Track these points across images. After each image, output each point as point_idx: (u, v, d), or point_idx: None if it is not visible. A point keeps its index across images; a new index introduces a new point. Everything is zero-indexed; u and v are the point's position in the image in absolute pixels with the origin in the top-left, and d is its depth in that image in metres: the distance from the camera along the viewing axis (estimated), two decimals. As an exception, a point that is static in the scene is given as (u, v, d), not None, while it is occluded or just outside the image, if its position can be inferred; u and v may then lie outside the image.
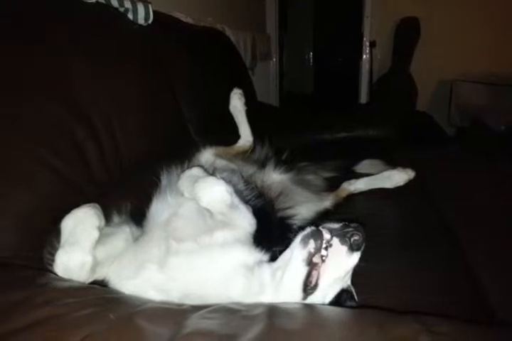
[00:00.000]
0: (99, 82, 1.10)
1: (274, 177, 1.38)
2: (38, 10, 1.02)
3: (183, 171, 0.99)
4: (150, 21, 1.45)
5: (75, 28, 1.11)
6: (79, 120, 0.99)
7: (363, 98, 4.95)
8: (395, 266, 1.12)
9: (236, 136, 1.59)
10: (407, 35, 4.48)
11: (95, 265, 0.77)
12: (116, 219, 0.94)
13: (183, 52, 1.72)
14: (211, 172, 1.03)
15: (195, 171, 0.94)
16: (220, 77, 1.97)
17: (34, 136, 0.88)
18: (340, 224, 0.70)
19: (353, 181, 1.48)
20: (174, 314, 0.60)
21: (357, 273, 0.95)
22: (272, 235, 0.92)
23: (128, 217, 0.95)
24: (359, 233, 0.68)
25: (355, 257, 0.69)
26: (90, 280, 0.78)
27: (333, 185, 1.52)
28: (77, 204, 0.81)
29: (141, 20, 1.42)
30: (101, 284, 0.79)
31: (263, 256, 0.82)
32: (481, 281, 1.12)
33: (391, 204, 1.46)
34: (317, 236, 0.69)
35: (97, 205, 0.83)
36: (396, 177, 1.45)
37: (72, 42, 1.08)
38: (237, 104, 1.57)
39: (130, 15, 1.38)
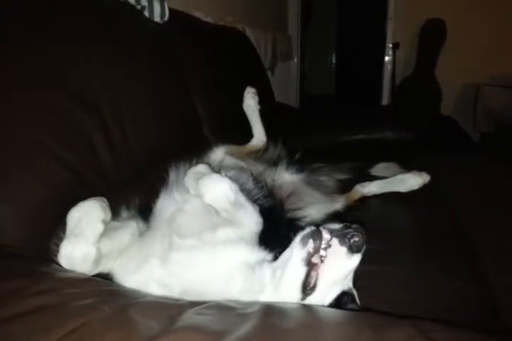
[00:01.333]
0: (111, 77, 1.12)
1: (286, 177, 1.37)
2: (54, 6, 1.04)
3: (190, 168, 0.99)
4: (166, 19, 1.46)
5: (88, 24, 1.13)
6: (88, 113, 1.00)
7: (385, 101, 4.87)
8: (405, 270, 1.10)
9: (250, 135, 1.59)
10: (432, 37, 4.39)
11: (99, 258, 0.78)
12: (124, 213, 0.95)
13: (199, 50, 1.73)
14: (217, 169, 1.03)
15: (200, 168, 0.94)
16: (236, 76, 1.97)
17: (43, 128, 0.89)
18: (341, 225, 0.69)
19: (366, 184, 1.46)
20: (169, 308, 0.60)
21: (366, 277, 0.94)
22: (279, 235, 0.91)
23: (136, 212, 0.96)
24: (359, 234, 0.66)
25: (356, 259, 0.67)
26: (94, 272, 0.79)
27: (346, 187, 1.50)
28: (85, 197, 0.83)
29: (157, 18, 1.44)
30: (105, 277, 0.80)
31: (267, 255, 0.82)
32: (494, 291, 1.09)
33: (405, 208, 1.43)
34: (316, 236, 0.68)
35: (104, 199, 0.85)
36: (410, 181, 1.42)
37: (86, 37, 1.10)
38: (250, 102, 1.57)
39: (146, 13, 1.40)
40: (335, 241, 0.68)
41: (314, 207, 1.28)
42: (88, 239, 0.76)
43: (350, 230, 0.67)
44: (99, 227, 0.78)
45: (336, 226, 0.69)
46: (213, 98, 1.74)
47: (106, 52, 1.15)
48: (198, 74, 1.68)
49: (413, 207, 1.43)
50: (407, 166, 1.57)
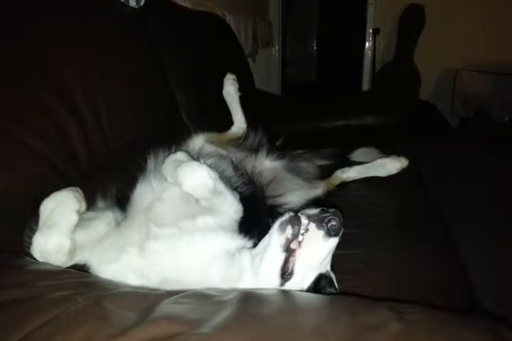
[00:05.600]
0: (85, 63, 1.08)
1: (266, 164, 1.36)
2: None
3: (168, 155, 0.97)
4: (142, 3, 1.42)
5: (63, 8, 1.09)
6: (60, 100, 0.97)
7: (366, 86, 4.88)
8: (384, 254, 1.11)
9: (230, 122, 1.57)
10: (411, 22, 4.39)
11: (74, 249, 0.76)
12: (100, 203, 0.93)
13: (176, 36, 1.68)
14: (196, 157, 1.01)
15: (178, 156, 0.93)
16: (215, 62, 1.94)
17: (13, 117, 0.86)
18: (318, 210, 0.69)
19: (345, 169, 1.46)
20: (146, 298, 0.59)
21: (345, 261, 0.95)
22: (259, 222, 0.91)
23: (112, 201, 0.94)
24: (336, 218, 0.66)
25: (333, 242, 0.68)
26: (70, 264, 0.77)
27: (326, 173, 1.50)
28: (59, 187, 0.80)
29: (132, 3, 1.40)
30: (82, 269, 0.79)
31: (247, 242, 0.81)
32: (470, 273, 1.11)
33: (384, 193, 1.44)
34: (295, 222, 0.68)
35: (79, 189, 0.82)
36: (389, 166, 1.43)
37: (59, 22, 1.06)
38: (230, 89, 1.55)
39: (121, -2, 1.36)
40: (312, 226, 0.67)
41: (295, 194, 1.28)
42: (62, 230, 0.74)
43: (328, 214, 0.67)
44: (73, 218, 0.76)
45: (314, 211, 0.69)
46: (192, 84, 1.71)
47: (80, 38, 1.11)
48: (176, 61, 1.64)
49: (392, 191, 1.45)
50: (387, 151, 1.58)
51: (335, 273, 0.76)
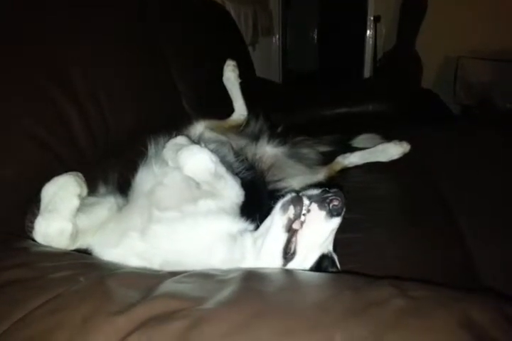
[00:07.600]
0: (86, 52, 1.08)
1: (267, 150, 1.36)
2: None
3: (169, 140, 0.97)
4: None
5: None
6: (62, 88, 0.97)
7: (367, 75, 4.84)
8: (387, 237, 1.11)
9: (231, 109, 1.57)
10: (413, 10, 4.34)
11: (76, 233, 0.76)
12: (102, 189, 0.93)
13: (176, 25, 1.67)
14: (197, 142, 1.01)
15: (179, 140, 0.92)
16: (216, 50, 1.92)
17: (16, 104, 0.86)
18: (320, 190, 0.69)
19: (347, 155, 1.45)
20: (148, 278, 0.59)
21: (347, 244, 0.95)
22: (260, 206, 0.91)
23: (114, 186, 0.94)
24: (338, 198, 0.66)
25: (335, 222, 0.67)
26: (72, 248, 0.77)
27: (328, 159, 1.49)
28: (60, 173, 0.80)
29: (130, -10, 1.38)
30: (84, 253, 0.79)
31: (248, 225, 0.81)
32: (474, 256, 1.11)
33: (386, 177, 1.44)
34: (296, 202, 0.68)
35: (80, 174, 0.82)
36: (391, 151, 1.41)
37: (60, 12, 1.05)
38: (230, 76, 1.53)
39: (119, -16, 1.34)
40: (314, 206, 0.67)
41: (296, 179, 1.28)
42: (63, 214, 0.74)
43: (329, 194, 0.67)
44: (75, 202, 0.76)
45: (315, 191, 0.69)
46: (193, 72, 1.70)
47: (81, 27, 1.10)
48: (177, 49, 1.63)
49: (394, 176, 1.44)
50: (388, 138, 1.56)
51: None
